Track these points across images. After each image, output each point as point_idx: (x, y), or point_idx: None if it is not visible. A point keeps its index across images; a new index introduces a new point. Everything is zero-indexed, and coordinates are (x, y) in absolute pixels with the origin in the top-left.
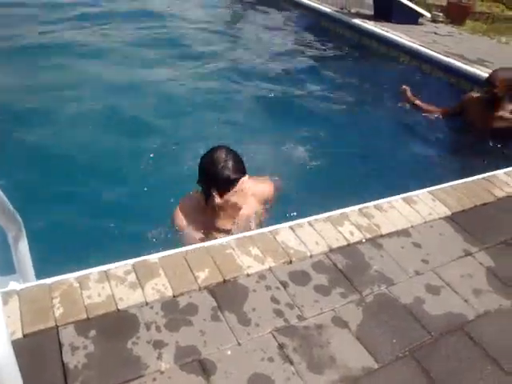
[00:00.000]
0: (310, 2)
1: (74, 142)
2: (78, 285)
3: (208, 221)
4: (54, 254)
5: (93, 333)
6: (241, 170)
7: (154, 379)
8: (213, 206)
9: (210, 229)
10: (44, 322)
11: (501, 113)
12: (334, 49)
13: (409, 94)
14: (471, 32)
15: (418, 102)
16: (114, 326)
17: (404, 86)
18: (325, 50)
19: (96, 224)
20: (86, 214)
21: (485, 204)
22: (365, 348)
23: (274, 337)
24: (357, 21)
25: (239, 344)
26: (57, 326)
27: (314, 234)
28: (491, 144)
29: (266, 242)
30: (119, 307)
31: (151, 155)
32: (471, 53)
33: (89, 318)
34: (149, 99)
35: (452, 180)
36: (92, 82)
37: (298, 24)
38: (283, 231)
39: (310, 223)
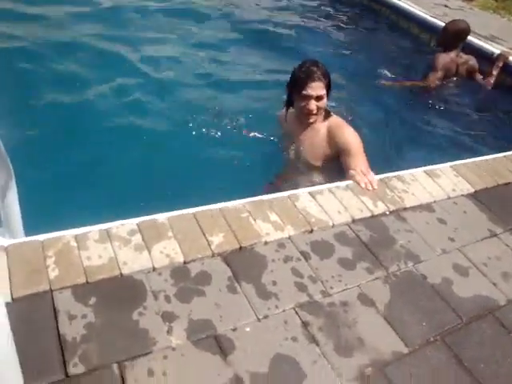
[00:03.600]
0: None
1: (77, 92)
2: (75, 244)
3: (290, 141)
4: (47, 209)
5: (93, 300)
6: (328, 83)
7: (165, 357)
8: (297, 115)
9: (291, 153)
10: (37, 284)
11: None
12: (342, 12)
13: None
14: (482, 8)
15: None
16: (118, 294)
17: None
18: (333, 13)
19: (98, 176)
20: (87, 164)
21: (507, 184)
22: (394, 330)
23: (297, 313)
24: None
25: (259, 320)
26: (51, 290)
27: (336, 203)
28: None
29: (284, 207)
30: (123, 272)
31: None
32: (483, 29)
33: (88, 282)
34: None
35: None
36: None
37: None
38: (303, 197)
39: (330, 190)
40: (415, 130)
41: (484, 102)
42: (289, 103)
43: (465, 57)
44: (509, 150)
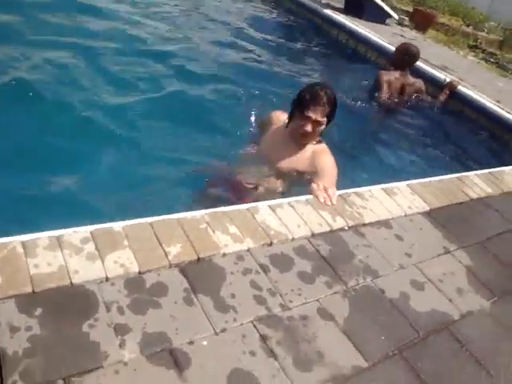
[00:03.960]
0: None
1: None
2: (22, 250)
3: (274, 143)
4: None
5: (39, 311)
6: (332, 113)
7: (116, 371)
8: (291, 130)
9: (268, 151)
10: None
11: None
12: (305, 38)
13: None
14: (434, 40)
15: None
16: (67, 304)
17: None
18: (297, 39)
19: (49, 181)
20: (38, 167)
21: (460, 203)
22: (353, 344)
23: (255, 327)
24: (328, 11)
25: (216, 333)
26: None
27: (296, 217)
28: None
29: (243, 219)
30: (74, 281)
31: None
32: (435, 59)
33: (35, 291)
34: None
35: None
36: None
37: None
38: (262, 210)
39: (290, 204)
40: (371, 147)
41: (434, 124)
42: (290, 117)
43: (413, 79)
44: (459, 171)
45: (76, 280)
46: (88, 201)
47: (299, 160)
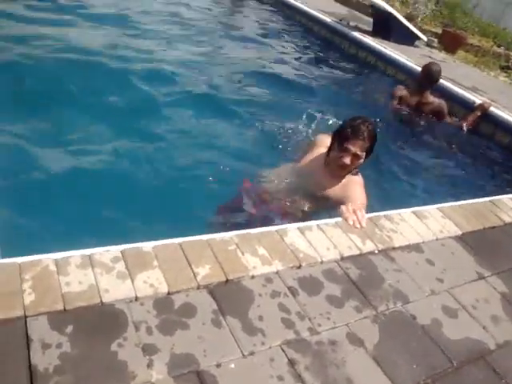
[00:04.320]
0: (311, 11)
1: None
2: (55, 268)
3: (312, 166)
4: (27, 232)
5: (70, 328)
6: (371, 148)
7: None
8: (330, 159)
9: (306, 171)
10: (10, 309)
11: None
12: (334, 60)
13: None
14: (463, 61)
15: None
16: (97, 323)
17: None
18: (325, 60)
19: (83, 200)
20: (72, 185)
21: (493, 227)
22: (383, 371)
23: (284, 351)
24: (356, 34)
25: (244, 356)
26: (25, 316)
27: (325, 239)
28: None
29: (272, 241)
30: (104, 300)
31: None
32: (465, 80)
33: (66, 309)
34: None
35: None
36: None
37: (298, 31)
38: (291, 232)
39: (319, 227)
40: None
41: (461, 144)
42: (330, 147)
43: (432, 99)
44: (489, 195)
45: (106, 299)
46: (119, 220)
47: (332, 188)
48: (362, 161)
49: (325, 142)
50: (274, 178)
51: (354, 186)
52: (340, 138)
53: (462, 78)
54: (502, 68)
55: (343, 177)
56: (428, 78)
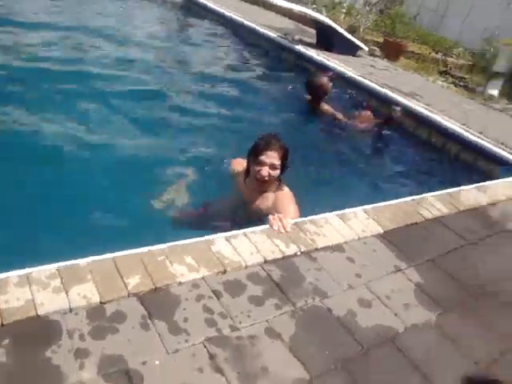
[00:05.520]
0: (256, 27)
1: None
2: None
3: (238, 192)
4: None
5: (6, 341)
6: (285, 158)
7: None
8: (251, 179)
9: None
10: None
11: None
12: (277, 71)
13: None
14: (404, 68)
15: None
16: (32, 334)
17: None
18: (268, 72)
19: (19, 222)
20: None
21: (414, 224)
22: (298, 359)
23: (206, 346)
24: (300, 47)
25: (168, 353)
26: None
27: (250, 245)
28: None
29: (200, 251)
30: (39, 313)
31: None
32: (404, 86)
33: (3, 324)
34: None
35: None
36: None
37: (241, 45)
38: (218, 241)
39: (245, 234)
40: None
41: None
42: (248, 169)
43: (326, 107)
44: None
45: (41, 312)
46: (65, 236)
47: (263, 203)
48: (278, 171)
49: (241, 163)
50: (216, 205)
51: (282, 200)
52: (255, 153)
53: (401, 85)
54: (441, 73)
55: (268, 190)
56: (313, 92)
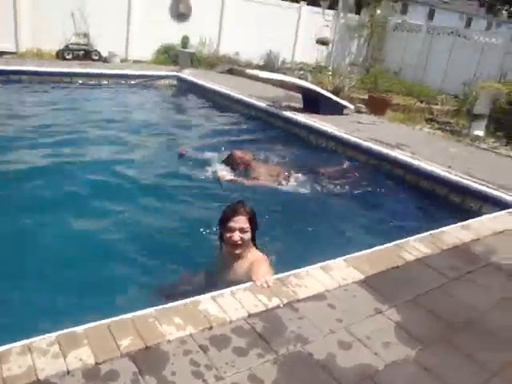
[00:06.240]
0: (246, 99)
1: None
2: None
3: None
4: None
5: None
6: (253, 221)
7: None
8: (225, 248)
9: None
10: None
11: None
12: (268, 137)
13: None
14: (391, 121)
15: None
16: None
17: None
18: (259, 139)
19: (18, 295)
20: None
21: (396, 267)
22: None
23: None
24: (288, 113)
25: None
26: None
27: (234, 302)
28: None
29: (187, 311)
30: (39, 377)
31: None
32: (389, 138)
33: None
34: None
35: None
36: None
37: (235, 117)
38: (204, 301)
39: (231, 292)
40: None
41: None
42: (221, 237)
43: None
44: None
45: (41, 376)
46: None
47: (241, 269)
48: (249, 233)
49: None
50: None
51: (258, 264)
52: (224, 221)
53: (387, 137)
54: (427, 120)
55: (244, 254)
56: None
